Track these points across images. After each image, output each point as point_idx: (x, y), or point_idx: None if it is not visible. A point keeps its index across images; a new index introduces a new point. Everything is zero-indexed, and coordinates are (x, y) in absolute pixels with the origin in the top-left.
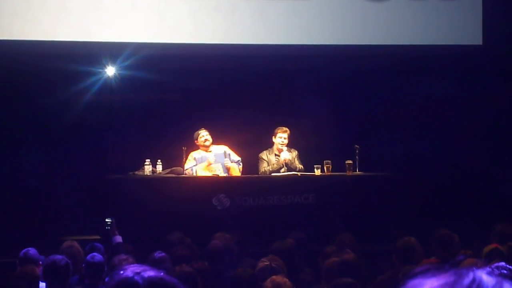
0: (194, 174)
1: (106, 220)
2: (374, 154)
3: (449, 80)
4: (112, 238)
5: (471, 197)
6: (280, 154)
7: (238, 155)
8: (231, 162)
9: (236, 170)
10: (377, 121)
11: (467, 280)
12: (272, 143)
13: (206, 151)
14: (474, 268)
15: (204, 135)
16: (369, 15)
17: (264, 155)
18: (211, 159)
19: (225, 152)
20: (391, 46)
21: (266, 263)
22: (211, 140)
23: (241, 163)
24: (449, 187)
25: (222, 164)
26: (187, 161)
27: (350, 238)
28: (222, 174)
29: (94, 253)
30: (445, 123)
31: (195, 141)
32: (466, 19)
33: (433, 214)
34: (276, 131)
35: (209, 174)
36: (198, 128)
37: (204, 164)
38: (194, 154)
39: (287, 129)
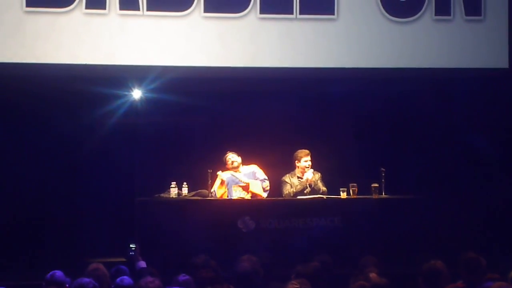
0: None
1: (130, 245)
2: (400, 177)
3: (475, 103)
4: (136, 263)
5: (499, 220)
6: (304, 174)
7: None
8: (255, 179)
9: (255, 185)
10: (403, 144)
11: None
12: (295, 167)
13: (236, 171)
14: None
15: (230, 158)
16: (395, 38)
17: (287, 178)
18: (241, 177)
19: (253, 172)
20: (417, 69)
21: (296, 286)
22: (239, 161)
23: (266, 181)
24: (476, 209)
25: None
26: (215, 181)
27: (373, 260)
28: (248, 195)
29: (124, 277)
30: (471, 146)
31: (226, 164)
32: (492, 42)
33: (460, 237)
34: (299, 155)
35: (237, 192)
36: (225, 151)
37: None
38: (222, 175)
39: (308, 151)
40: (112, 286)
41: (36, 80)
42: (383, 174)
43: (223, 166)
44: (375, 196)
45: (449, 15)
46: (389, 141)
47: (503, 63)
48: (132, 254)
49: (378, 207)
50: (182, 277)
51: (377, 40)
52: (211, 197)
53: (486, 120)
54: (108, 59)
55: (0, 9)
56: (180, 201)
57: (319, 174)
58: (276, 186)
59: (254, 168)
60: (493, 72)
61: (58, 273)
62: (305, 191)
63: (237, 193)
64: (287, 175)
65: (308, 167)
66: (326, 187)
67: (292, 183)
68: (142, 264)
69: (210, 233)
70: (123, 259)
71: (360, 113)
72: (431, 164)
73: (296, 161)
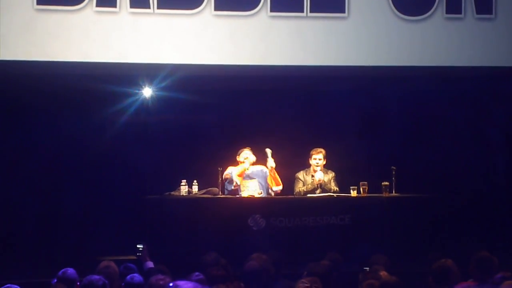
0: (232, 176)
1: (138, 246)
2: (410, 175)
3: (486, 101)
4: (143, 263)
5: (511, 218)
6: (315, 174)
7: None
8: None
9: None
10: (413, 142)
11: None
12: (309, 165)
13: (245, 168)
14: None
15: (247, 154)
16: (406, 36)
17: (300, 175)
18: (248, 172)
19: (261, 170)
20: (427, 68)
21: (307, 285)
22: (252, 160)
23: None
24: (487, 208)
25: (259, 181)
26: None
27: (383, 259)
28: (258, 190)
29: (134, 274)
30: (482, 144)
31: (237, 156)
32: (503, 41)
33: (471, 235)
34: (311, 152)
35: (246, 187)
36: (239, 148)
37: (240, 169)
38: (232, 168)
39: (322, 150)
40: (123, 284)
41: (46, 78)
42: (394, 173)
43: (235, 161)
44: (385, 194)
45: (460, 13)
46: (400, 139)
47: None
48: (139, 255)
49: (388, 205)
50: (196, 276)
51: (387, 38)
52: (221, 194)
53: (496, 118)
54: (119, 57)
55: (10, 7)
56: (190, 199)
57: (333, 173)
58: (285, 184)
59: (263, 168)
60: (504, 70)
61: (70, 270)
62: (316, 192)
63: (246, 187)
64: (301, 171)
65: (317, 166)
66: (338, 186)
67: (305, 180)
68: (150, 264)
69: (221, 231)
70: (134, 257)
71: (371, 111)
72: (442, 162)
73: (309, 158)
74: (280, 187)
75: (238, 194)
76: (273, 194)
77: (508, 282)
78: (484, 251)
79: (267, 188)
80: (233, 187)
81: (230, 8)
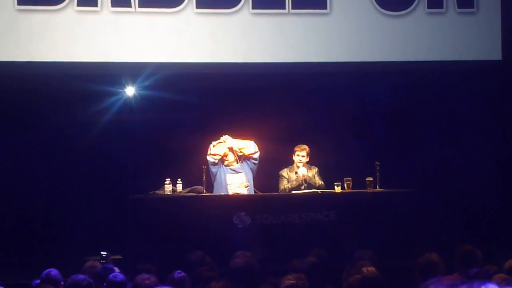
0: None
1: (101, 253)
2: (394, 170)
3: (469, 96)
4: None
5: (494, 212)
6: (298, 170)
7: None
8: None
9: (247, 146)
10: (397, 137)
11: None
12: (293, 161)
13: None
14: (486, 282)
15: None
16: (388, 31)
17: (284, 172)
18: (233, 167)
19: (247, 162)
20: (410, 63)
21: (292, 281)
22: (231, 159)
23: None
24: (470, 202)
25: (246, 174)
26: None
27: (368, 254)
28: (245, 183)
29: (116, 273)
30: (464, 139)
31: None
32: (485, 34)
33: (455, 229)
34: (294, 149)
35: (231, 179)
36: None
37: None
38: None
39: (305, 146)
40: (105, 284)
41: (30, 78)
42: (378, 168)
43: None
44: (369, 190)
45: (442, 8)
46: (383, 134)
47: (497, 55)
48: (103, 262)
49: (372, 200)
50: (178, 274)
51: (370, 34)
52: (206, 192)
53: (479, 112)
54: (101, 57)
55: None
56: (175, 198)
57: (317, 168)
58: (270, 181)
59: (247, 160)
60: (486, 64)
61: (54, 271)
62: (301, 187)
63: (232, 181)
64: (285, 169)
65: (300, 162)
66: (323, 181)
67: (289, 177)
68: (115, 270)
69: (206, 229)
70: (119, 257)
71: (354, 107)
72: (425, 157)
73: (293, 155)
74: (252, 147)
75: (224, 192)
76: (253, 160)
77: (499, 276)
78: (467, 244)
79: (254, 179)
80: (214, 160)
81: (212, 6)
